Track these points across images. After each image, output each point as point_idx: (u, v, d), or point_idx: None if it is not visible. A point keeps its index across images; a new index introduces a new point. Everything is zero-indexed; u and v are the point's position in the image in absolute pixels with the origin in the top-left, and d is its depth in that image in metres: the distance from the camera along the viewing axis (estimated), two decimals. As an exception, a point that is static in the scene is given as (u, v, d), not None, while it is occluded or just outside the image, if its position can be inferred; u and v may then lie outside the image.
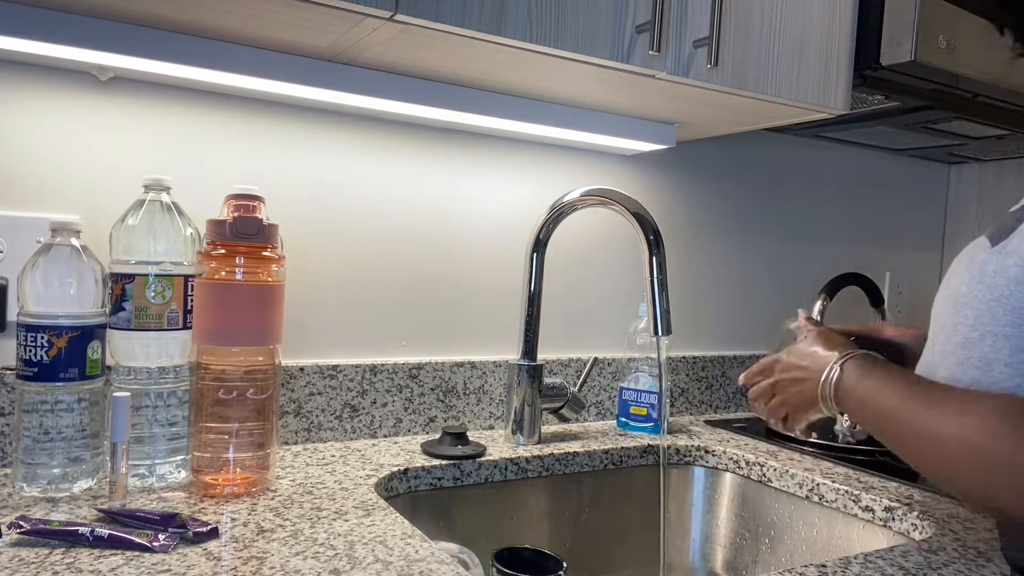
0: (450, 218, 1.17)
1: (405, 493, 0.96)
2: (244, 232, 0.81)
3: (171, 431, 0.84)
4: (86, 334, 0.80)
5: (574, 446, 1.11)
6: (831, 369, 0.68)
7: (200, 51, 0.87)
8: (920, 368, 0.65)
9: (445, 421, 1.15)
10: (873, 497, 0.95)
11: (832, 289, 1.34)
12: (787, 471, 1.06)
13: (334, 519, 0.77)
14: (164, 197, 0.85)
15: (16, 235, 0.88)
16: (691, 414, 1.42)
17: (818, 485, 1.02)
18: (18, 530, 0.66)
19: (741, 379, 0.84)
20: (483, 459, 1.01)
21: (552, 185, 1.26)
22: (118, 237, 0.83)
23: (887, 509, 0.93)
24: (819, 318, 1.33)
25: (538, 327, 1.12)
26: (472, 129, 1.16)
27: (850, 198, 1.67)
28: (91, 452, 0.81)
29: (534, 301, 1.12)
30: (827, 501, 1.01)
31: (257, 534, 0.71)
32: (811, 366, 0.71)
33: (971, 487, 0.53)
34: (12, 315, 0.87)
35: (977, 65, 1.10)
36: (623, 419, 1.23)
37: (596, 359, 1.23)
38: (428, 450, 1.02)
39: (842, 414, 0.70)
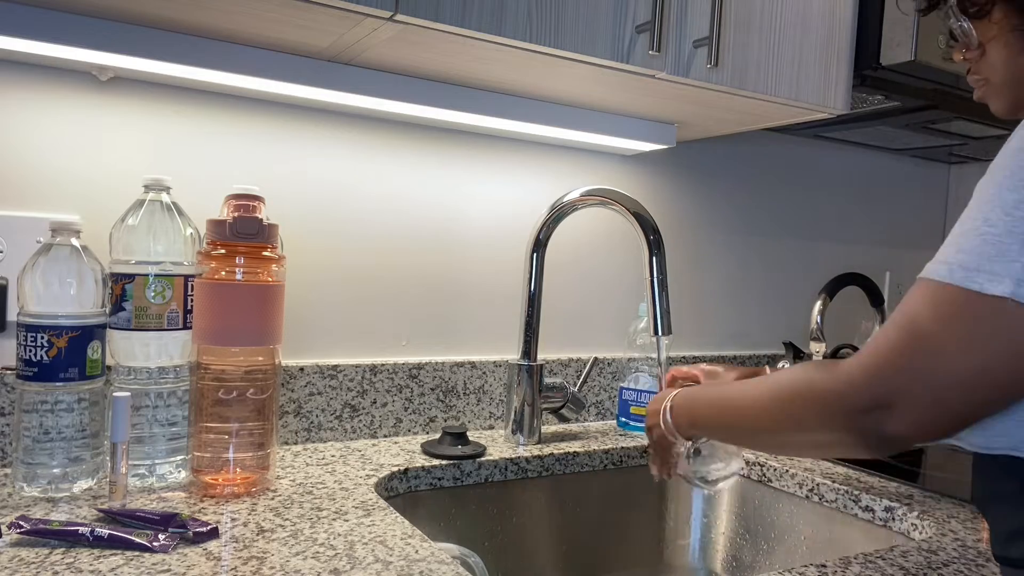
0: (450, 218, 1.17)
1: (405, 493, 0.96)
2: (244, 232, 0.81)
3: (171, 431, 0.84)
4: (86, 334, 0.80)
5: (574, 446, 1.11)
6: (665, 404, 0.79)
7: (200, 51, 0.87)
8: None
9: (445, 421, 1.15)
10: (873, 497, 0.95)
11: (832, 289, 1.34)
12: (787, 471, 1.06)
13: (334, 519, 0.77)
14: (164, 197, 0.85)
15: (16, 235, 0.88)
16: (691, 414, 1.42)
17: (818, 485, 1.02)
18: (18, 530, 0.66)
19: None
20: (483, 459, 1.01)
21: (552, 185, 1.26)
22: (118, 237, 0.83)
23: (887, 509, 0.93)
24: (819, 318, 1.33)
25: (538, 327, 1.12)
26: (472, 129, 1.16)
27: (850, 198, 1.67)
28: (91, 452, 0.81)
29: (534, 301, 1.12)
30: (827, 501, 1.01)
31: (257, 534, 0.71)
32: (651, 408, 0.82)
33: (809, 426, 0.58)
34: (12, 315, 0.87)
35: (977, 65, 1.10)
36: (623, 419, 1.23)
37: (596, 359, 1.23)
38: (428, 450, 1.02)
39: (688, 439, 0.79)
